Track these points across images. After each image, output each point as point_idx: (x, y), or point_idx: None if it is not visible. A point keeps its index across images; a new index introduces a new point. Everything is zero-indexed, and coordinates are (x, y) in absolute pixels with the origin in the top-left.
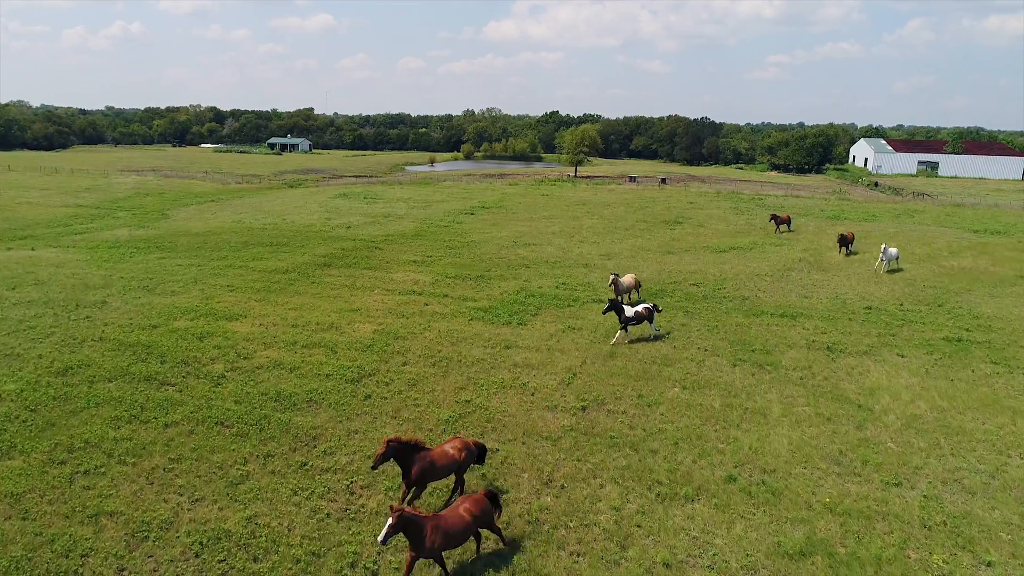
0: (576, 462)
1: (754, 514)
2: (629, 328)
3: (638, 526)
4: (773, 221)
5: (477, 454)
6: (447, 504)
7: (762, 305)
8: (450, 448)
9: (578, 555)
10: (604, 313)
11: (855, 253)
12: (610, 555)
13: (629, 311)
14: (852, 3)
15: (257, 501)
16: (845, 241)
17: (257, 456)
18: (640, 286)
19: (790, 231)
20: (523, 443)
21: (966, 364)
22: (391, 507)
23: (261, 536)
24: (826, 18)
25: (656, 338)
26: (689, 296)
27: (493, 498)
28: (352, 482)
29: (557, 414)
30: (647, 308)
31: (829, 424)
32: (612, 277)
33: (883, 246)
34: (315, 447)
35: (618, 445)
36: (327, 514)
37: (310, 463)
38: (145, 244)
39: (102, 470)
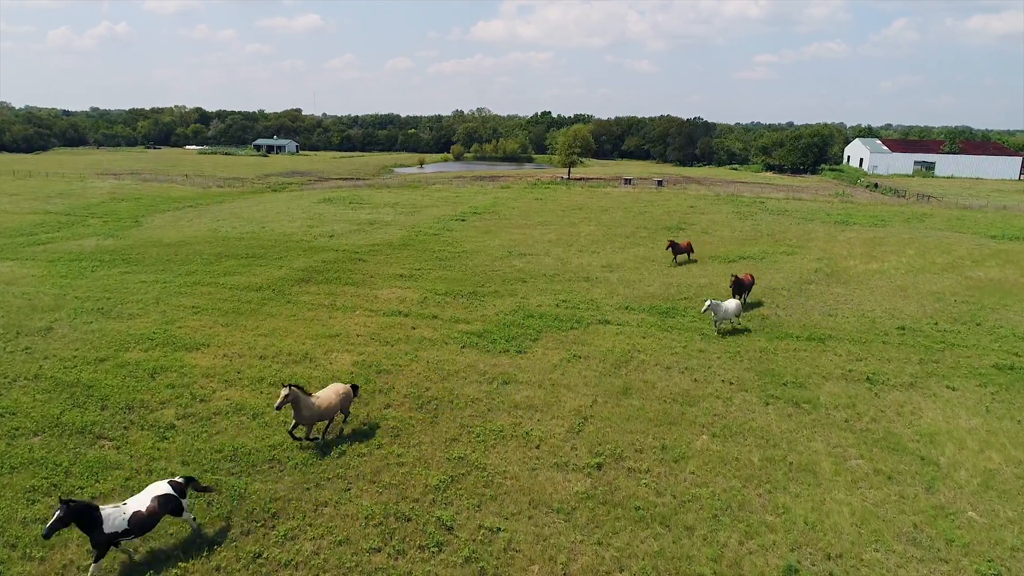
0: (596, 546)
1: None
2: (119, 544)
3: None
4: (671, 249)
5: None
6: None
7: (785, 325)
8: None
9: None
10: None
11: (745, 303)
12: None
13: (118, 518)
14: (837, 3)
15: None
16: (740, 288)
17: (200, 544)
18: (356, 397)
19: (690, 261)
20: (529, 518)
21: None
22: None
23: None
24: (812, 18)
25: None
26: (704, 315)
27: None
28: None
29: (568, 474)
30: (154, 504)
31: (892, 485)
32: (285, 392)
33: (708, 301)
34: (274, 528)
35: (645, 520)
36: None
37: (265, 554)
38: (110, 256)
39: None
